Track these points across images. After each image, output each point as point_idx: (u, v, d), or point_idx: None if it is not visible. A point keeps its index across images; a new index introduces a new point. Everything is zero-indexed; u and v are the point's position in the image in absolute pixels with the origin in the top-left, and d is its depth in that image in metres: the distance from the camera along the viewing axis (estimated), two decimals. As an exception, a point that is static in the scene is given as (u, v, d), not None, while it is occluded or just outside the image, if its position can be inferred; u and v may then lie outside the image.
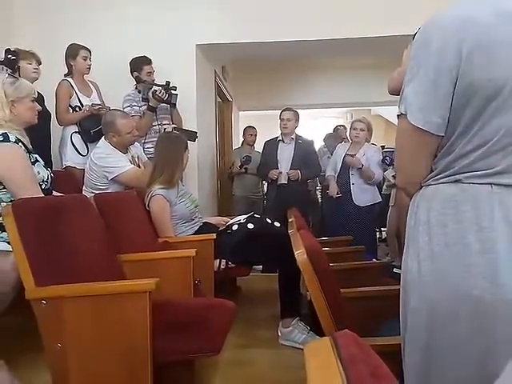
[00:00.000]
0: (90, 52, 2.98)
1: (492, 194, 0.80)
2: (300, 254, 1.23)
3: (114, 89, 3.15)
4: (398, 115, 0.87)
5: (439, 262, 0.82)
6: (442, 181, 0.85)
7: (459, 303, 0.79)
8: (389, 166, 4.02)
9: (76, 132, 2.90)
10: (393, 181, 4.18)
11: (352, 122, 3.74)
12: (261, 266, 3.40)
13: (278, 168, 3.65)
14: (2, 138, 1.77)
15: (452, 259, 0.81)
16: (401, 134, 0.89)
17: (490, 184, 0.80)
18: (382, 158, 3.68)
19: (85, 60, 2.94)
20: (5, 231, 1.70)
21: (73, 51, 2.94)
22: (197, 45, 3.59)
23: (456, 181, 0.83)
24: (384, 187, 4.52)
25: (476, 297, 0.78)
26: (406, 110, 0.84)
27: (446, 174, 0.84)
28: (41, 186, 1.90)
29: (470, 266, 0.79)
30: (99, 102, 3.00)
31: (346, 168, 3.55)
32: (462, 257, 0.80)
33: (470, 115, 0.80)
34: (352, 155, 3.53)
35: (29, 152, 1.90)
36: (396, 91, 1.33)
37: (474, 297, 0.78)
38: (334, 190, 3.61)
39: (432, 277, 0.82)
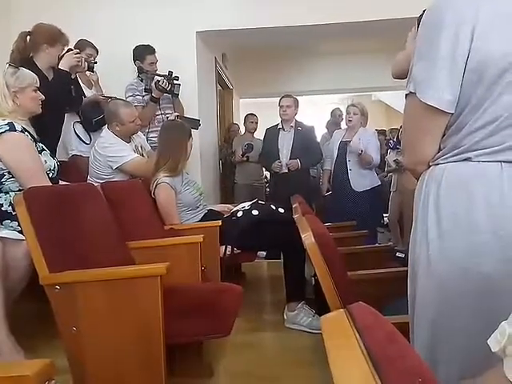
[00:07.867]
0: (97, 51, 2.98)
1: (502, 171, 0.79)
2: (307, 236, 1.25)
3: (113, 76, 3.15)
4: (406, 94, 0.86)
5: (448, 240, 0.82)
6: (451, 159, 0.84)
7: (467, 280, 0.79)
8: (392, 149, 4.01)
9: (78, 122, 2.91)
10: (394, 165, 4.19)
11: (347, 107, 3.74)
12: (264, 253, 3.44)
13: (279, 156, 3.66)
14: (8, 128, 1.78)
15: (461, 237, 0.81)
16: (409, 113, 0.88)
17: (500, 162, 0.80)
18: (378, 141, 3.69)
19: (89, 57, 2.93)
20: (14, 220, 1.73)
21: (79, 47, 2.92)
22: (197, 32, 3.57)
23: (465, 159, 0.82)
24: (385, 172, 4.51)
25: (484, 274, 0.78)
26: (415, 89, 0.83)
27: (455, 152, 0.83)
28: (48, 174, 1.92)
29: (479, 244, 0.79)
30: (100, 92, 3.04)
31: (342, 155, 3.55)
32: (472, 234, 0.80)
33: (480, 92, 0.79)
34: (347, 141, 3.53)
35: (35, 141, 1.92)
36: (401, 75, 1.33)
37: (482, 274, 0.78)
38: (324, 187, 3.74)
39: (441, 255, 0.82)
